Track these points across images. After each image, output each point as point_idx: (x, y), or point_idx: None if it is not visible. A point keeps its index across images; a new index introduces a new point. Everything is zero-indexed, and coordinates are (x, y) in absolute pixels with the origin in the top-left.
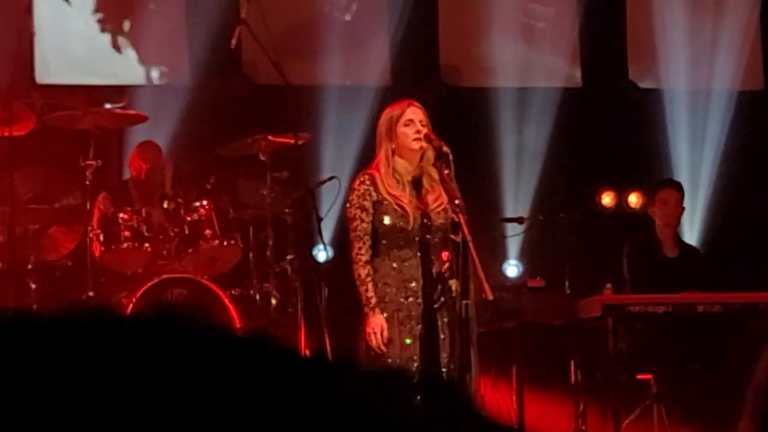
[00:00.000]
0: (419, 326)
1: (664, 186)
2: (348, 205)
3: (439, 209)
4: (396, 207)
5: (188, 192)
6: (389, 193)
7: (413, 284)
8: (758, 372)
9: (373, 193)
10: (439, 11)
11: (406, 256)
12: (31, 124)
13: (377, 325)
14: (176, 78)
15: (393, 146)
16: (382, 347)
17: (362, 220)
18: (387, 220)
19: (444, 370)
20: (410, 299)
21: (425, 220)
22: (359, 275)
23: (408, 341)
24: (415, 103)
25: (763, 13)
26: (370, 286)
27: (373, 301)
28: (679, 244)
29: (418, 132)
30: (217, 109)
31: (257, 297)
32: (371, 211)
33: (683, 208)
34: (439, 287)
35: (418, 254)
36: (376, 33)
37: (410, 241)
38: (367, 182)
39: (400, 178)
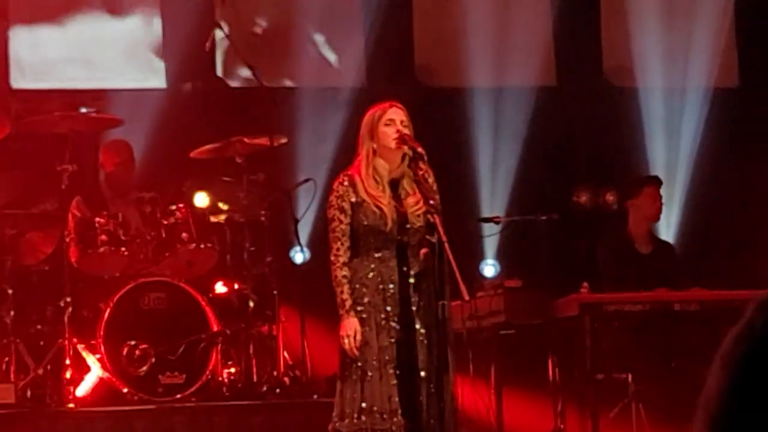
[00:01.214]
0: (397, 328)
1: (650, 182)
2: (327, 205)
3: (418, 212)
4: (374, 208)
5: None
6: (368, 194)
7: (391, 285)
8: (711, 377)
9: (352, 194)
10: (413, 12)
11: (384, 258)
12: (7, 128)
13: (351, 328)
14: (151, 81)
15: (374, 146)
16: (355, 351)
17: (340, 221)
18: (365, 221)
19: (422, 370)
20: (388, 300)
21: (403, 222)
22: (335, 276)
23: (385, 343)
24: (398, 104)
25: (737, 9)
26: (345, 288)
27: (348, 303)
28: (653, 240)
29: (398, 132)
30: (193, 112)
31: (235, 299)
32: (350, 212)
33: None
34: (416, 288)
35: (396, 255)
36: (350, 34)
37: (388, 243)
38: (346, 183)
39: (379, 178)
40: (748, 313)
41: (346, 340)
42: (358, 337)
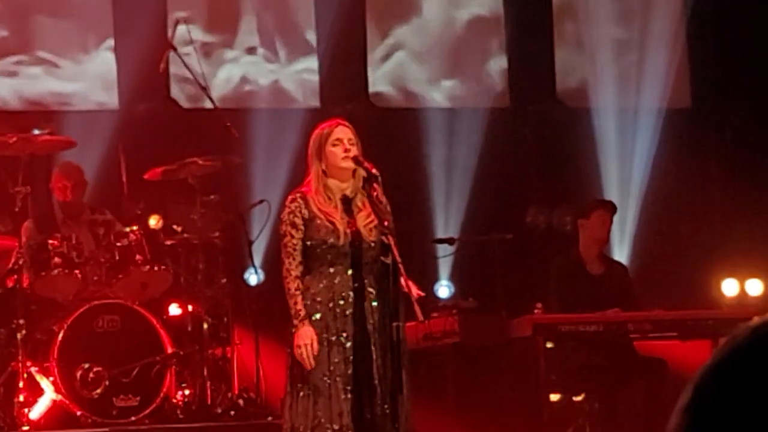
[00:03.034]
0: (349, 345)
1: (601, 206)
2: (279, 222)
3: (371, 226)
4: (327, 223)
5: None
6: (320, 210)
7: (341, 301)
8: (672, 417)
9: (304, 210)
10: (367, 32)
11: (337, 273)
12: None
13: (306, 337)
14: (104, 103)
15: (323, 166)
16: (312, 360)
17: (292, 236)
18: (317, 236)
19: (376, 391)
20: (339, 316)
21: (357, 237)
22: (289, 289)
23: (336, 359)
24: (344, 122)
25: (690, 32)
26: (299, 299)
27: (302, 313)
28: (605, 261)
29: (347, 151)
30: (146, 134)
31: (189, 321)
32: (302, 228)
33: None
34: (370, 305)
35: (350, 271)
36: (304, 54)
37: (341, 258)
38: (299, 200)
39: (332, 195)
40: (718, 351)
41: (303, 350)
42: (315, 346)
